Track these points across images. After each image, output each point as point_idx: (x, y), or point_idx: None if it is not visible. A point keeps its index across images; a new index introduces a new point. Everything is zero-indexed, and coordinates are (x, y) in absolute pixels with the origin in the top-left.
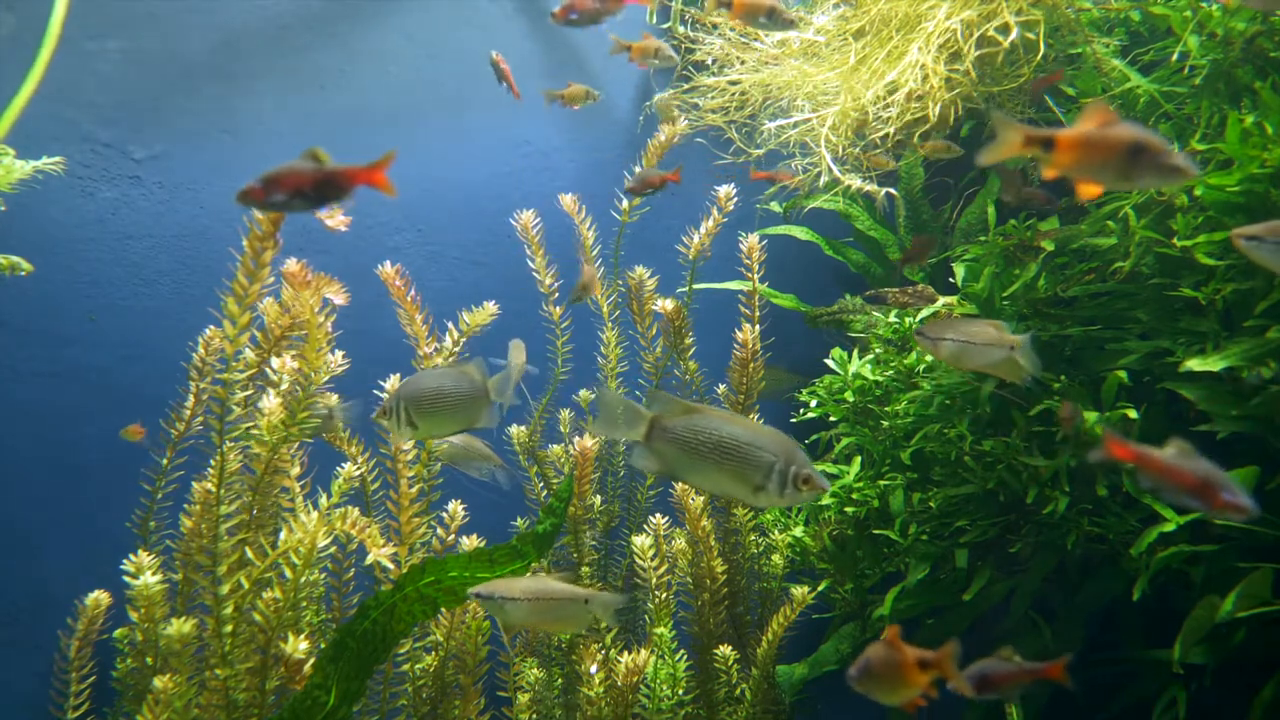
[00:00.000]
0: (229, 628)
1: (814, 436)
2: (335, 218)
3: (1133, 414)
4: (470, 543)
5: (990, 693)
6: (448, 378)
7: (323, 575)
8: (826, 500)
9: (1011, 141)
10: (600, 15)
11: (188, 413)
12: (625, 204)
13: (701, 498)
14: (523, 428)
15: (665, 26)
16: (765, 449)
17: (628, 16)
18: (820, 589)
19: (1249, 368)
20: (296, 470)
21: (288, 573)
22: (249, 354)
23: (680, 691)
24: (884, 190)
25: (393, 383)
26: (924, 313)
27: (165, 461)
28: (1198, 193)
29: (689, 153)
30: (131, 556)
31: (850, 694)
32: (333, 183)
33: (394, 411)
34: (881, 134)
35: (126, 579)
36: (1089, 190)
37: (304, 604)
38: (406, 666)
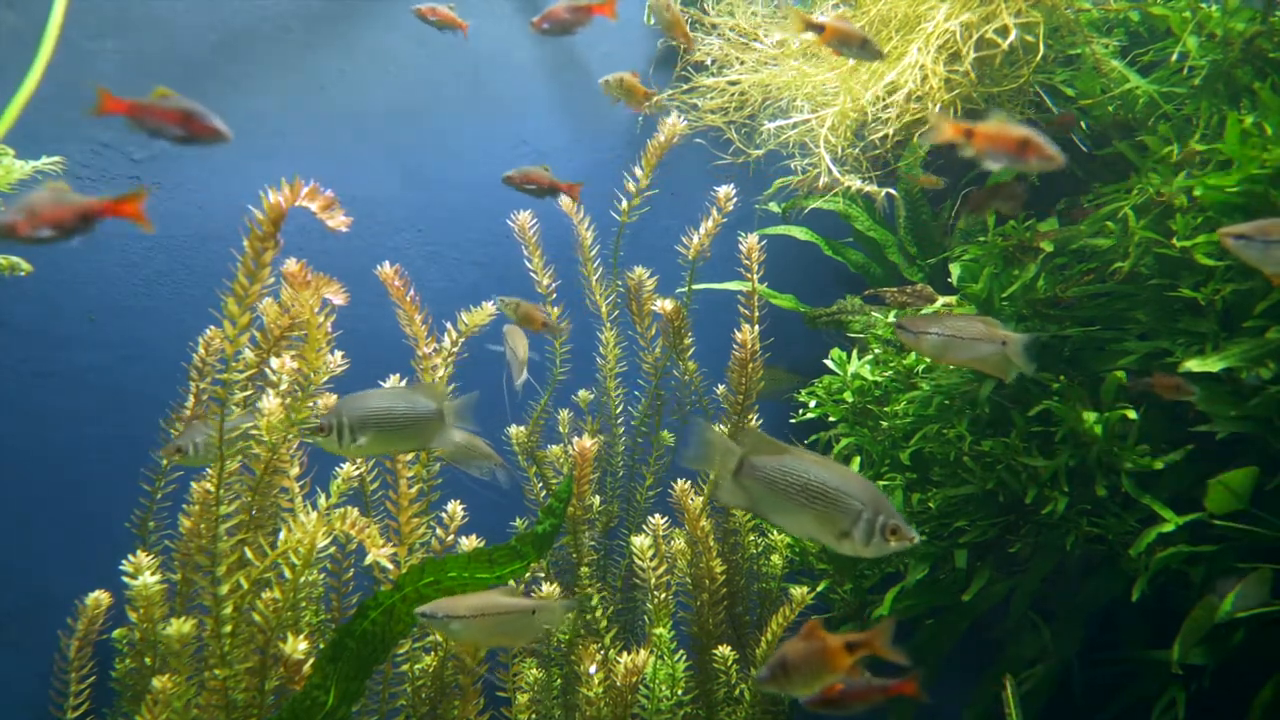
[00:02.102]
0: (228, 628)
1: (813, 437)
2: (336, 218)
3: (1131, 414)
4: (469, 543)
5: (842, 710)
6: (399, 398)
7: (322, 575)
8: None
9: None
10: (572, 26)
11: (188, 413)
12: (625, 204)
13: (700, 498)
14: (522, 428)
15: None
16: (854, 496)
17: (624, 19)
18: (819, 589)
19: (1248, 368)
20: (296, 470)
21: (287, 573)
22: (249, 354)
23: (679, 692)
24: (884, 191)
25: (393, 383)
26: (923, 313)
27: (165, 461)
28: (1197, 193)
29: (688, 153)
30: (130, 557)
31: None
32: (92, 215)
33: (335, 429)
34: (881, 135)
35: (125, 579)
36: None
37: (303, 604)
38: (406, 667)
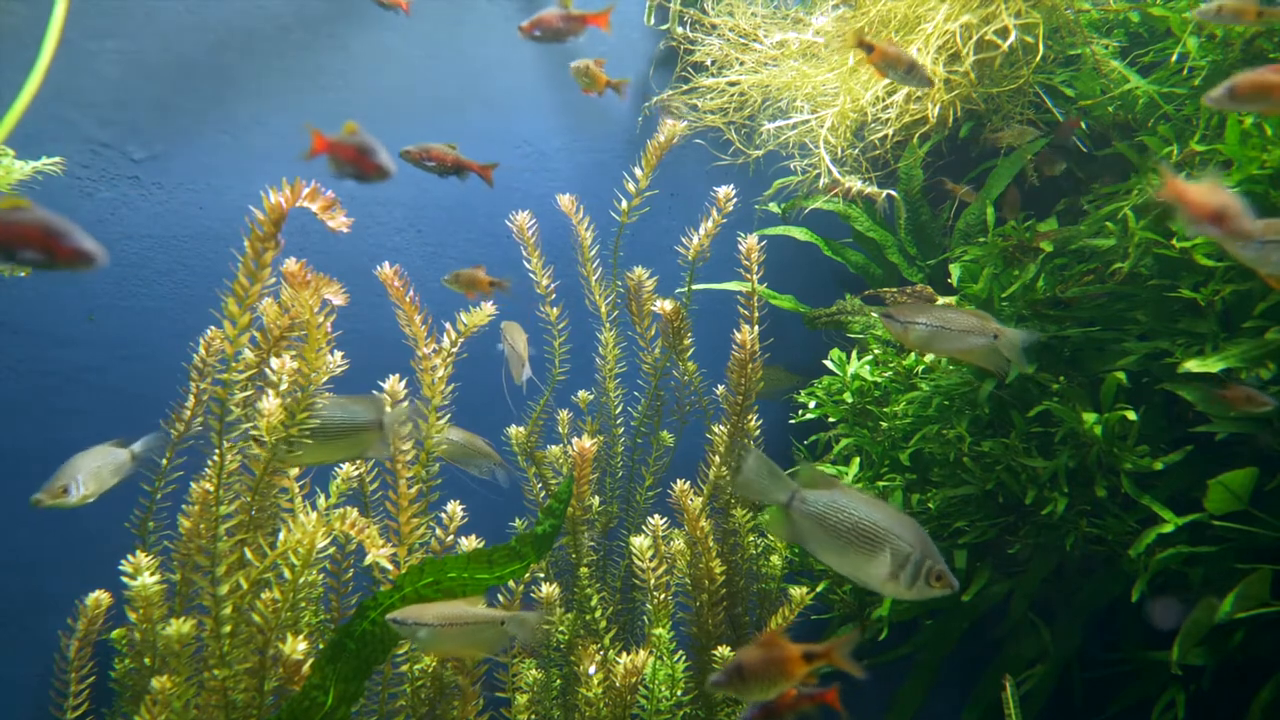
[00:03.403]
0: (227, 628)
1: (813, 438)
2: (337, 219)
3: (1131, 415)
4: (469, 544)
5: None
6: (335, 407)
7: (321, 576)
8: None
9: None
10: (564, 35)
11: (187, 413)
12: (624, 204)
13: (700, 498)
14: (521, 428)
15: (664, 28)
16: (902, 538)
17: (625, 19)
18: (819, 590)
19: (1247, 369)
20: (295, 471)
21: (286, 573)
22: (248, 354)
23: (679, 692)
24: (885, 193)
25: (393, 383)
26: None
27: (164, 462)
28: None
29: (688, 154)
30: (130, 557)
31: (848, 695)
32: None
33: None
34: (880, 135)
35: (125, 579)
36: None
37: (303, 605)
38: (405, 667)
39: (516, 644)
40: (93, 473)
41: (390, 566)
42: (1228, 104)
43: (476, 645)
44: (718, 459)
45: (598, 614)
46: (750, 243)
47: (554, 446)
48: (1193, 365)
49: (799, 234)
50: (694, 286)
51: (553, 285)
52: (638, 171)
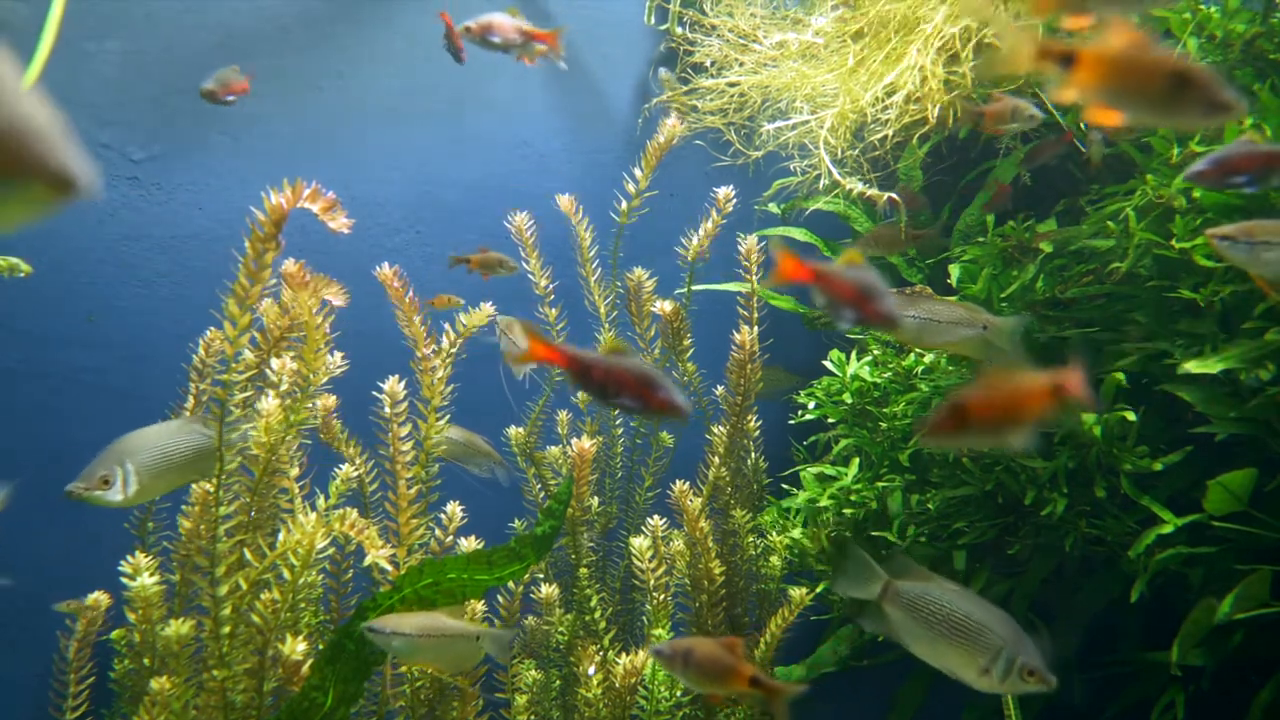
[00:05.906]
0: (227, 629)
1: (812, 438)
2: (338, 220)
3: (1131, 416)
4: (469, 544)
5: None
6: (179, 432)
7: (321, 577)
8: (824, 502)
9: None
10: (507, 47)
11: (187, 414)
12: (624, 205)
13: (699, 499)
14: (521, 429)
15: (663, 28)
16: (996, 632)
17: (624, 19)
18: (818, 591)
19: (1247, 370)
20: (295, 471)
21: (286, 574)
22: (248, 355)
23: (678, 693)
24: (886, 195)
25: (392, 384)
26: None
27: None
28: (1196, 195)
29: (687, 154)
30: (129, 558)
31: (848, 695)
32: None
33: (120, 478)
34: (880, 136)
35: (124, 580)
36: (1104, 117)
37: (302, 605)
38: (405, 668)
39: (514, 649)
40: None
41: (390, 567)
42: None
43: (451, 659)
44: (717, 460)
45: (597, 615)
46: (750, 243)
47: (553, 447)
48: (1192, 366)
49: (799, 235)
50: (693, 287)
51: (552, 286)
52: (637, 172)
